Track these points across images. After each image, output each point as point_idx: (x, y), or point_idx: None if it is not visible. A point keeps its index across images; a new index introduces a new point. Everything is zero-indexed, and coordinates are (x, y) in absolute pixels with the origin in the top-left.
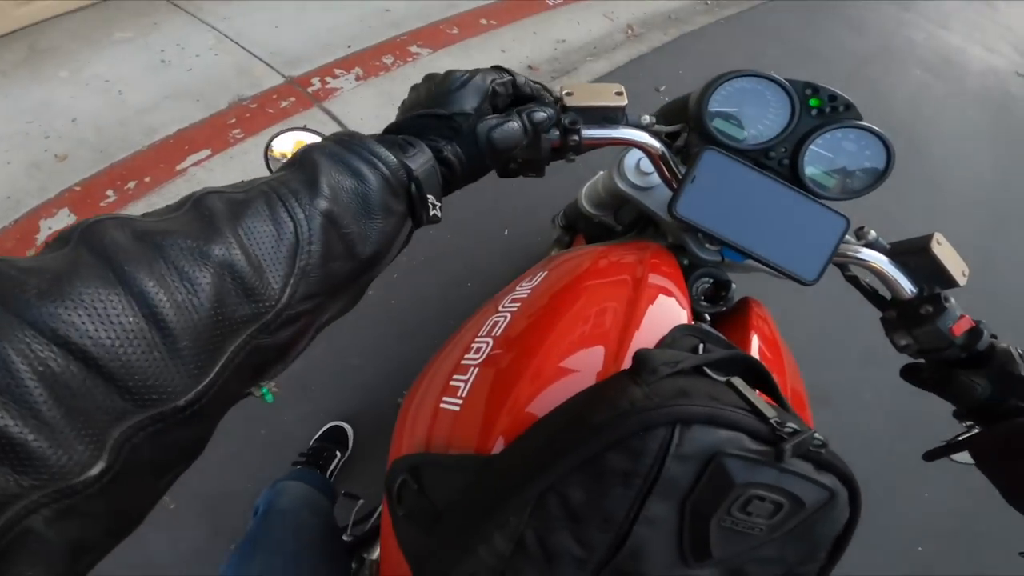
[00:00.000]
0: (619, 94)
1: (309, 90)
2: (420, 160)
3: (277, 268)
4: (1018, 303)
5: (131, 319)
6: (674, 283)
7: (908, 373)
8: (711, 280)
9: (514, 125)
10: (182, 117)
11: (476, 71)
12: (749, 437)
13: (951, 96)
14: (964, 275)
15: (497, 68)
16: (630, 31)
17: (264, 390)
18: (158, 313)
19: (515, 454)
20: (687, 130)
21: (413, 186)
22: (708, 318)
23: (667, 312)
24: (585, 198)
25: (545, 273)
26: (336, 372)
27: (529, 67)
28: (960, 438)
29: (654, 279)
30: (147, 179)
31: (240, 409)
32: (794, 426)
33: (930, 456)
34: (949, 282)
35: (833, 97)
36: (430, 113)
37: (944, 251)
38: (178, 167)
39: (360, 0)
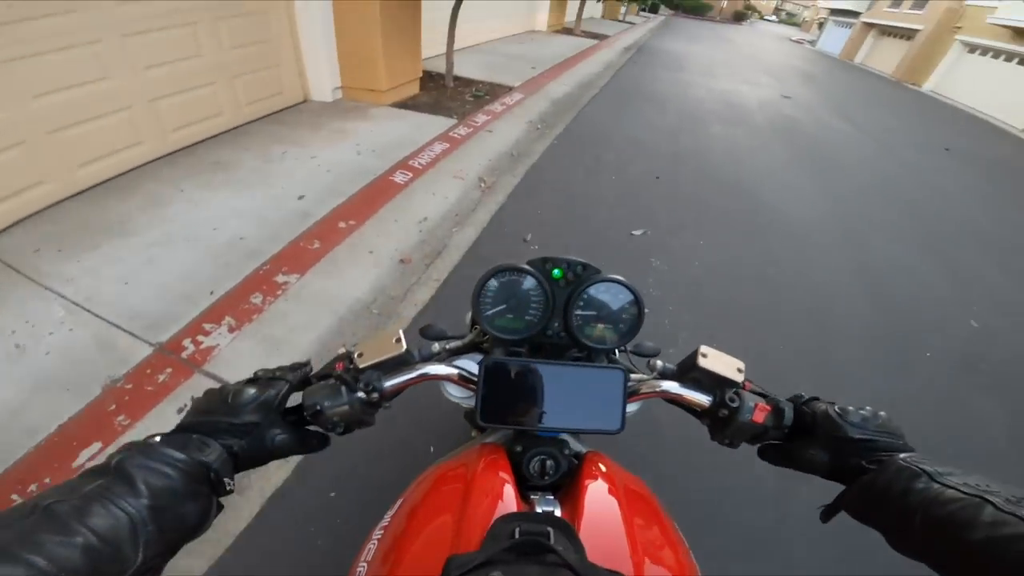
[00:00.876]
0: (398, 341)
1: (184, 355)
2: (213, 456)
3: (127, 543)
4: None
5: None
6: (501, 477)
7: (762, 454)
8: (541, 458)
9: (286, 438)
10: (58, 411)
11: (270, 384)
12: None
13: (752, 136)
14: (740, 371)
15: (295, 367)
16: (483, 184)
17: None
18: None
19: None
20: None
21: (212, 474)
22: (551, 489)
23: (492, 507)
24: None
25: (402, 499)
26: None
27: (401, 261)
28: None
29: (482, 480)
30: (47, 479)
31: None
32: None
33: (824, 517)
34: (729, 383)
35: (569, 263)
36: (224, 421)
37: (712, 360)
38: (74, 464)
39: (207, 231)
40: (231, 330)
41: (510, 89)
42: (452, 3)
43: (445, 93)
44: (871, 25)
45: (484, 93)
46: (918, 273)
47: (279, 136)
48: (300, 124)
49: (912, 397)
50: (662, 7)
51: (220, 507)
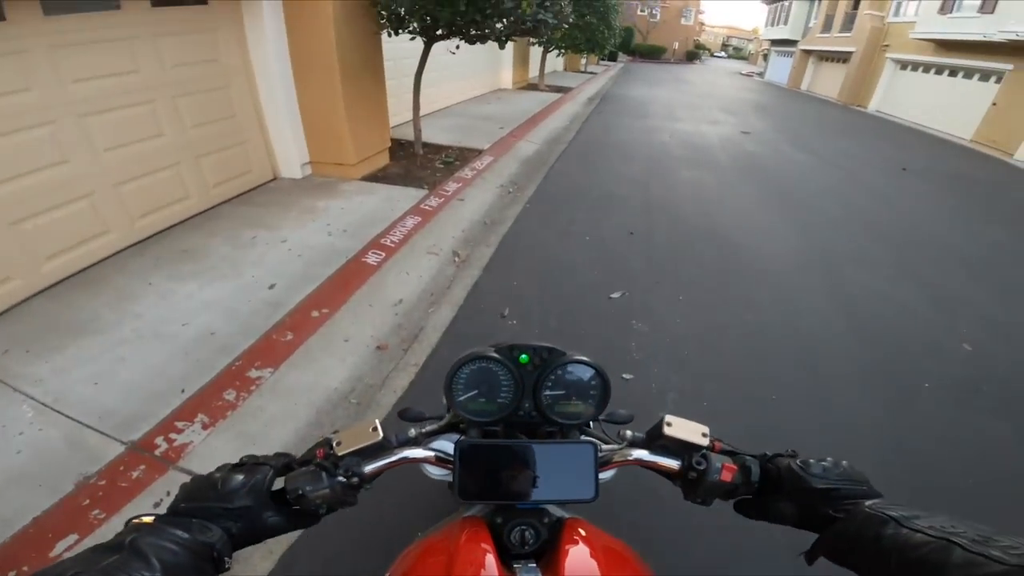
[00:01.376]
0: (375, 430)
1: (157, 452)
2: (215, 537)
3: None
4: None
5: None
6: (483, 548)
7: (738, 509)
8: (521, 528)
9: (282, 520)
10: (33, 505)
11: (256, 470)
12: None
13: (719, 177)
14: (705, 436)
15: (278, 455)
16: (457, 258)
17: None
18: None
19: None
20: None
21: (215, 553)
22: (534, 557)
23: None
24: None
25: (388, 575)
26: None
27: (378, 347)
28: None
29: (465, 553)
30: (25, 568)
31: None
32: None
33: (808, 560)
34: (695, 447)
35: (534, 348)
36: (218, 506)
37: (677, 428)
38: (51, 554)
39: (177, 327)
40: (205, 427)
41: (480, 152)
42: (417, 68)
43: (415, 161)
44: (809, 52)
45: (454, 159)
46: (900, 300)
47: (249, 219)
48: (270, 204)
49: (920, 430)
50: (620, 54)
51: None
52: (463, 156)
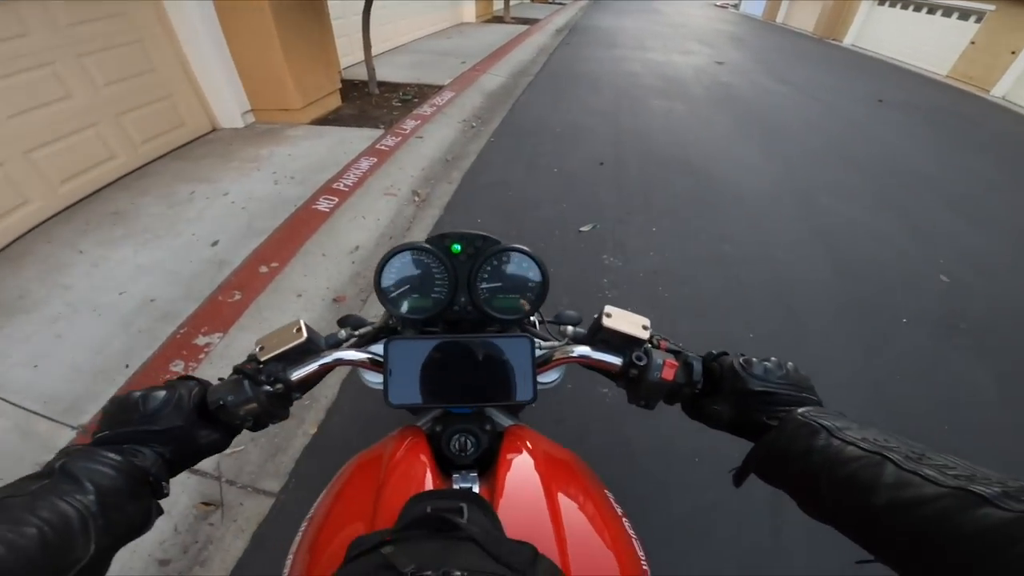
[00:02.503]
0: (298, 331)
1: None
2: (149, 462)
3: (79, 535)
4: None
5: None
6: (420, 459)
7: (685, 410)
8: (460, 436)
9: (216, 437)
10: None
11: (179, 385)
12: None
13: (692, 108)
14: (646, 328)
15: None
16: (417, 198)
17: None
18: None
19: None
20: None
21: (151, 478)
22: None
23: (409, 488)
24: None
25: (326, 490)
26: None
27: (335, 300)
28: (743, 460)
29: (401, 463)
30: None
31: None
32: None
33: (736, 481)
34: (636, 342)
35: (467, 237)
36: (144, 429)
37: (617, 319)
38: None
39: (113, 297)
40: None
41: (440, 88)
42: (364, 4)
43: (370, 101)
44: None
45: (412, 96)
46: (878, 231)
47: (185, 174)
48: (208, 156)
49: (898, 370)
50: None
51: (160, 510)
52: (422, 93)
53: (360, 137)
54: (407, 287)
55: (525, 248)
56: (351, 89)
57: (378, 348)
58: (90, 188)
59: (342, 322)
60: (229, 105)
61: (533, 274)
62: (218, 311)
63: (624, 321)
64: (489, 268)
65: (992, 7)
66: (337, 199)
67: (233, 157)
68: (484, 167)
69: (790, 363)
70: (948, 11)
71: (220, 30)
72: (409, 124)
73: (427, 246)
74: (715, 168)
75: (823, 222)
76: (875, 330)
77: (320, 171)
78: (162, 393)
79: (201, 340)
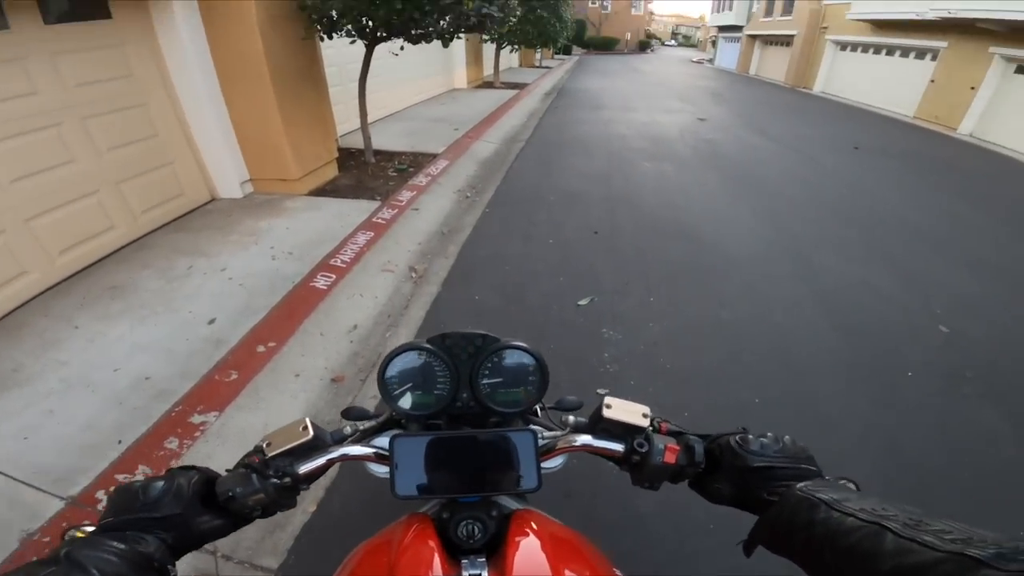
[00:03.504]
0: (305, 429)
1: (100, 507)
2: (152, 547)
3: None
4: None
5: None
6: (428, 546)
7: (693, 487)
8: (468, 522)
9: (218, 523)
10: None
11: (179, 475)
12: None
13: (680, 168)
14: (646, 416)
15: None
16: (414, 274)
17: None
18: None
19: None
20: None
21: (155, 563)
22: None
23: (416, 575)
24: None
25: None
26: None
27: (333, 380)
28: (750, 532)
29: (409, 551)
30: None
31: None
32: None
33: (746, 551)
34: (637, 430)
35: (467, 336)
36: (145, 516)
37: (617, 410)
38: None
39: (108, 374)
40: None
41: (434, 156)
42: (360, 73)
43: (366, 171)
44: (755, 37)
45: (407, 165)
46: (871, 284)
47: (183, 247)
48: (207, 229)
49: (910, 423)
50: (574, 47)
51: None
52: (417, 162)
53: (357, 209)
54: (410, 384)
55: (524, 345)
56: (348, 158)
57: (383, 442)
58: (88, 260)
59: (346, 414)
60: (228, 174)
61: (533, 368)
62: (215, 390)
63: (624, 411)
64: (490, 365)
65: (944, 44)
66: (335, 276)
67: (232, 230)
68: (480, 240)
69: (787, 436)
70: (905, 51)
71: (222, 96)
72: (405, 195)
73: (429, 346)
74: (708, 231)
75: (818, 280)
76: (883, 385)
77: (318, 246)
78: (161, 483)
79: (196, 419)
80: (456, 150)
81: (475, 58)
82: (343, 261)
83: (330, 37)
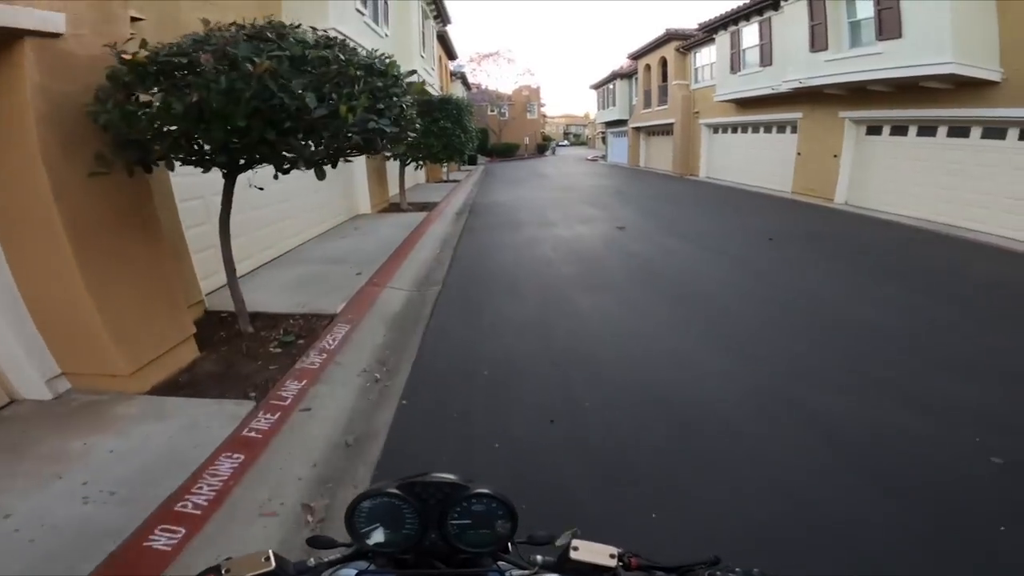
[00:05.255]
0: (267, 560)
1: None
2: None
3: None
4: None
5: None
6: None
7: None
8: None
9: None
10: None
11: None
12: None
13: (619, 298)
14: (613, 556)
15: None
16: (310, 517)
17: None
18: None
19: None
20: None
21: None
22: None
23: None
24: None
25: None
26: None
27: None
28: None
29: None
30: None
31: None
32: None
33: None
34: (605, 570)
35: (436, 484)
36: None
37: (583, 552)
38: None
39: None
40: None
41: (331, 318)
42: (220, 209)
43: (239, 347)
44: (639, 129)
45: (295, 336)
46: (877, 420)
47: None
48: None
49: None
50: (478, 156)
51: None
52: (309, 327)
53: (221, 416)
54: (377, 525)
55: (493, 492)
56: (217, 326)
57: (349, 574)
58: None
59: (312, 543)
60: (25, 368)
61: (502, 512)
62: None
63: (591, 552)
64: (459, 509)
65: (799, 115)
66: (183, 530)
67: (27, 452)
68: (400, 453)
69: (755, 569)
70: (768, 127)
71: (4, 258)
72: (291, 387)
73: (399, 493)
74: (686, 393)
75: (825, 426)
76: (966, 542)
77: (159, 480)
78: None
79: None
80: (359, 305)
81: (379, 178)
82: (197, 505)
83: (148, 170)
